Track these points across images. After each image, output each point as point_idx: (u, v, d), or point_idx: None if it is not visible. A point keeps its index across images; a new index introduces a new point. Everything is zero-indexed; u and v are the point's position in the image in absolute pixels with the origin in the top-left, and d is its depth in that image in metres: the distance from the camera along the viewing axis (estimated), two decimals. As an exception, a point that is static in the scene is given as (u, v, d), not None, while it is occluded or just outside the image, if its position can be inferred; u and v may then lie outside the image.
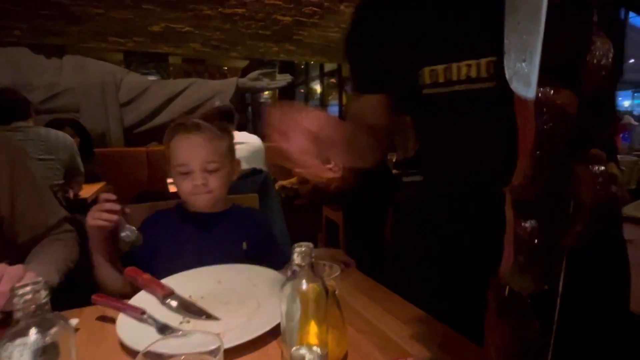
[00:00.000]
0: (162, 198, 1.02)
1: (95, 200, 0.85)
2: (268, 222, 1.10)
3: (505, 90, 0.30)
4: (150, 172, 3.73)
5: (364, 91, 0.71)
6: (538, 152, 0.31)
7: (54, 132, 2.29)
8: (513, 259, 0.34)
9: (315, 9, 4.67)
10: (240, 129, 2.77)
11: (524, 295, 0.34)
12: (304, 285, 0.46)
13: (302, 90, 8.69)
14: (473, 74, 0.55)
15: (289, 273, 0.48)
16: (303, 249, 0.46)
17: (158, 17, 4.67)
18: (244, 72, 6.38)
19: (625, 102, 9.67)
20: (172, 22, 4.88)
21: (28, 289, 0.37)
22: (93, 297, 0.70)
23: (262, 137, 2.87)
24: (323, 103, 8.65)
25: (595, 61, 0.29)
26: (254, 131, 3.33)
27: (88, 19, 4.65)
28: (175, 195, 0.98)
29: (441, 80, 0.58)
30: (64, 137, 2.34)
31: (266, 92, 7.64)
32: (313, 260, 0.46)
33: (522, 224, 0.33)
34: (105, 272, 0.84)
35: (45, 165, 2.19)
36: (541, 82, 0.29)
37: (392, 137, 0.74)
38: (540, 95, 0.30)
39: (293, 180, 3.58)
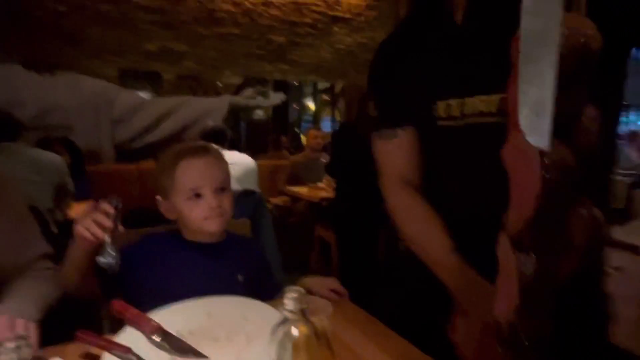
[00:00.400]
0: (155, 217, 0.99)
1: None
2: (264, 252, 1.08)
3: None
4: (142, 189, 3.69)
5: (389, 125, 0.74)
6: (542, 202, 0.33)
7: (44, 154, 2.27)
8: (518, 300, 0.36)
9: (309, 29, 4.75)
10: (231, 148, 2.76)
11: (522, 335, 0.36)
12: (296, 332, 0.45)
13: (295, 107, 8.77)
14: (484, 108, 0.60)
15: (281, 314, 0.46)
16: (295, 295, 0.44)
17: (154, 36, 4.71)
18: (238, 90, 6.43)
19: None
20: (167, 41, 4.92)
21: (12, 345, 0.35)
22: (77, 334, 0.67)
23: (254, 156, 2.88)
24: (316, 119, 8.73)
25: (584, 129, 0.33)
26: (246, 149, 3.33)
27: (84, 36, 4.67)
28: (167, 220, 0.94)
29: (455, 113, 0.63)
30: (53, 158, 2.32)
31: (260, 111, 7.70)
32: (305, 307, 0.45)
33: (525, 265, 0.35)
34: (71, 274, 0.79)
35: (35, 187, 2.16)
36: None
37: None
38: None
39: (285, 198, 3.58)
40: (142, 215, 0.89)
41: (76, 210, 2.56)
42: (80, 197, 2.74)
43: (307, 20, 4.44)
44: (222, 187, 0.90)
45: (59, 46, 4.93)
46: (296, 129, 8.52)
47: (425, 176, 0.72)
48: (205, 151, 0.91)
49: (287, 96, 5.55)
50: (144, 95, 5.45)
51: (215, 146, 0.93)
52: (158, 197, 0.92)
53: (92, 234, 0.73)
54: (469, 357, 0.53)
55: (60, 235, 0.93)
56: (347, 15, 4.24)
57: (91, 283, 0.82)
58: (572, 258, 0.35)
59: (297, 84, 8.38)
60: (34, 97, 3.85)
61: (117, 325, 0.74)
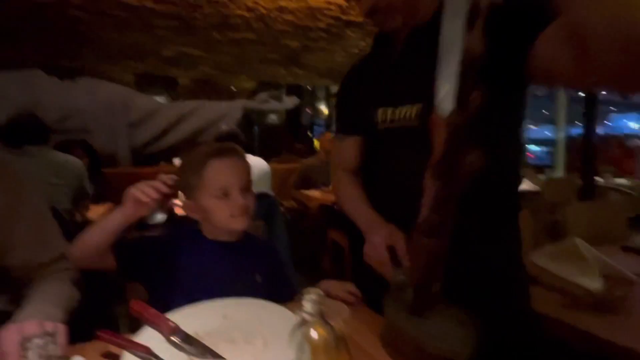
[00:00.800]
0: (170, 218, 1.03)
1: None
2: (280, 254, 1.09)
3: (424, 130, 0.61)
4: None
5: (345, 132, 1.01)
6: (437, 200, 0.59)
7: (64, 156, 2.32)
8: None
9: (322, 34, 4.77)
10: (245, 151, 2.78)
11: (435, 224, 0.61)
12: (314, 334, 0.45)
13: (308, 111, 8.80)
14: (408, 115, 0.81)
15: (298, 317, 0.47)
16: (314, 297, 0.45)
17: (170, 41, 4.80)
18: (252, 94, 6.48)
19: (631, 123, 9.64)
20: (183, 46, 5.00)
21: (38, 342, 0.36)
22: (98, 333, 0.69)
23: (268, 159, 2.89)
24: (329, 123, 8.74)
25: (466, 166, 0.56)
26: (260, 153, 3.35)
27: (102, 42, 4.78)
28: (184, 218, 0.96)
29: (389, 118, 0.85)
30: (74, 161, 2.37)
31: (273, 114, 7.74)
32: (324, 309, 0.45)
33: (432, 184, 0.59)
34: (99, 240, 0.81)
35: (56, 189, 2.21)
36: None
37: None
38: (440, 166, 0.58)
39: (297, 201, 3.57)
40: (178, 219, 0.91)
41: (95, 212, 2.61)
42: (98, 199, 2.79)
43: (321, 24, 4.47)
44: (247, 187, 0.93)
45: (79, 52, 5.06)
46: (309, 133, 8.55)
47: (368, 164, 0.96)
48: (233, 152, 0.94)
49: (300, 100, 5.57)
50: (160, 99, 5.56)
51: (239, 147, 0.96)
52: (177, 201, 0.94)
53: (147, 194, 0.78)
54: (378, 269, 0.77)
55: (77, 233, 0.95)
56: (360, 19, 4.25)
57: (109, 258, 0.84)
58: (460, 184, 0.57)
59: (310, 88, 8.41)
60: (55, 102, 3.97)
61: (135, 324, 0.75)
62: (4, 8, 3.79)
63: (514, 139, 0.81)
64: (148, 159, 4.46)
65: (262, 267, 0.96)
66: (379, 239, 0.77)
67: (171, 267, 0.89)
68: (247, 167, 0.95)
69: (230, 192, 0.90)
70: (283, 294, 0.90)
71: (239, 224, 0.91)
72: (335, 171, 1.09)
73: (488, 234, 0.79)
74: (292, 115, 7.75)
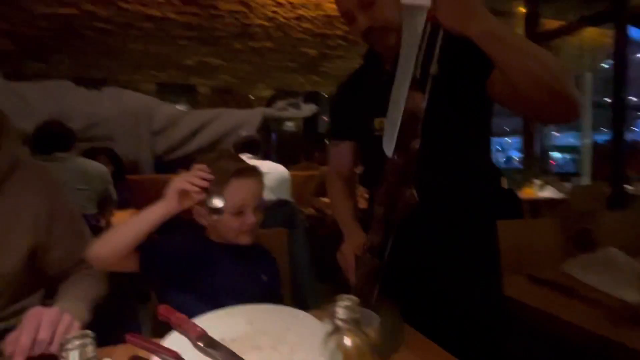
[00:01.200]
0: (188, 225, 1.04)
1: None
2: (277, 266, 1.10)
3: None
4: (178, 199, 3.81)
5: (340, 138, 1.12)
6: (379, 223, 0.74)
7: (90, 163, 2.39)
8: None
9: (340, 41, 4.80)
10: (264, 158, 2.81)
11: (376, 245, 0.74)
12: (348, 342, 0.44)
13: (325, 118, 8.82)
14: None
15: (330, 323, 0.46)
16: (348, 303, 0.44)
17: (192, 51, 4.91)
18: (270, 102, 6.56)
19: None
20: (204, 56, 5.11)
21: (77, 343, 0.37)
22: (127, 336, 0.69)
23: (287, 165, 2.90)
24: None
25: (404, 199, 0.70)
26: (277, 160, 3.37)
27: (127, 53, 4.93)
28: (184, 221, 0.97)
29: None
30: (100, 168, 2.43)
31: (291, 122, 7.79)
32: (358, 316, 0.44)
33: (377, 210, 0.73)
34: (130, 237, 0.81)
35: (82, 195, 2.28)
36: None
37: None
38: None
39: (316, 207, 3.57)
40: (180, 224, 0.93)
41: (119, 217, 2.67)
42: (121, 205, 2.86)
43: (338, 32, 4.50)
44: (259, 206, 0.98)
45: (105, 63, 5.23)
46: (326, 141, 8.56)
47: (365, 169, 1.08)
48: (255, 173, 0.98)
49: (318, 108, 5.59)
50: (181, 108, 5.68)
51: (258, 168, 1.01)
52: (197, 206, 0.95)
53: (196, 184, 0.81)
54: (347, 273, 0.93)
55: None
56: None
57: (132, 259, 0.86)
58: (398, 213, 0.71)
59: (327, 96, 8.45)
60: (82, 111, 4.11)
61: (159, 327, 0.76)
62: (34, 22, 3.96)
63: (482, 145, 0.97)
64: (169, 165, 4.55)
65: (265, 269, 1.01)
66: (349, 248, 0.94)
67: (184, 270, 0.91)
68: (262, 187, 1.00)
69: (244, 211, 0.94)
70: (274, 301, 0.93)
71: (246, 239, 0.96)
72: (329, 175, 1.20)
73: (463, 254, 0.91)
74: (310, 123, 7.78)
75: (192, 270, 0.92)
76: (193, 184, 0.81)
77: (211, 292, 0.88)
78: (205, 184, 0.83)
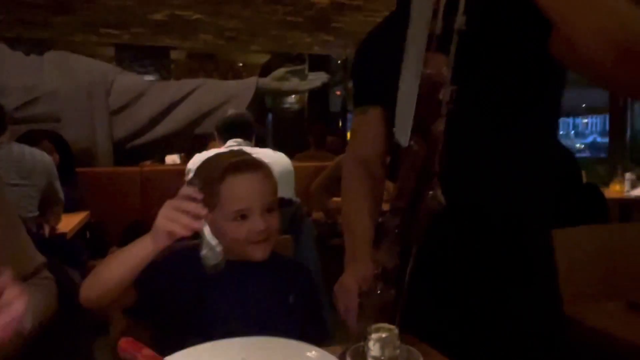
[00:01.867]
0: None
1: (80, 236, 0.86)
2: (314, 278, 1.15)
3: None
4: (144, 197, 3.83)
5: (366, 102, 1.06)
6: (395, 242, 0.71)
7: (29, 151, 2.40)
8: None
9: (360, -13, 4.76)
10: (260, 145, 2.80)
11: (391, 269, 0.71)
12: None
13: (338, 93, 8.76)
14: None
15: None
16: (384, 335, 0.42)
17: (161, 2, 4.90)
18: (264, 70, 6.55)
19: None
20: (178, 8, 5.11)
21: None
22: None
23: (291, 155, 2.89)
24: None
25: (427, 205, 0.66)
26: (277, 147, 3.36)
27: (76, 6, 4.95)
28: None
29: None
30: (42, 157, 2.45)
31: (293, 96, 7.79)
32: (397, 353, 0.42)
33: (393, 224, 0.70)
34: (118, 279, 0.85)
35: (20, 192, 2.29)
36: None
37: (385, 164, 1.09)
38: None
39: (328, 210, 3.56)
40: (146, 230, 0.93)
41: (67, 222, 2.69)
42: (69, 206, 2.88)
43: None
44: (271, 207, 1.00)
45: (49, 18, 5.26)
46: (340, 122, 8.54)
47: (393, 157, 1.01)
48: (257, 166, 1.01)
49: (330, 77, 5.57)
50: (149, 78, 5.71)
51: (263, 162, 1.04)
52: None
53: (185, 225, 0.79)
54: (345, 314, 0.84)
55: (46, 250, 1.04)
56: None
57: (129, 293, 0.90)
58: (421, 221, 0.67)
59: (341, 62, 8.41)
60: (18, 83, 4.14)
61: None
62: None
63: (548, 134, 0.93)
64: (133, 155, 4.57)
65: (294, 287, 1.03)
66: (352, 281, 0.85)
67: (187, 297, 0.95)
68: (272, 184, 1.02)
69: (249, 215, 0.96)
70: (313, 328, 0.99)
71: (258, 253, 0.98)
72: (347, 160, 1.13)
73: (513, 277, 0.89)
74: (318, 97, 7.74)
75: (195, 299, 0.95)
76: (181, 225, 0.80)
77: (217, 322, 0.92)
78: (193, 223, 0.81)
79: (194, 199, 0.81)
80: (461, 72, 0.65)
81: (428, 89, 0.63)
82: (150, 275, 0.89)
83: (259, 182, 0.99)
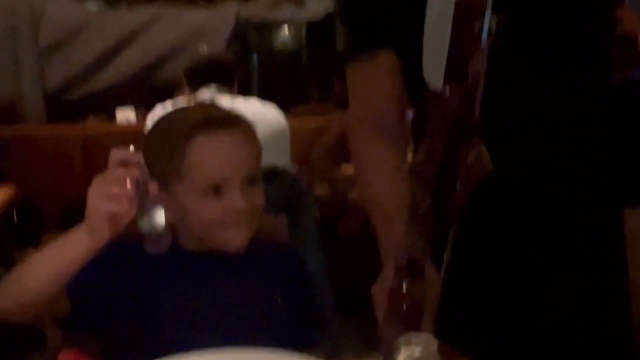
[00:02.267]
0: None
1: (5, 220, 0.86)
2: (306, 266, 1.20)
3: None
4: (87, 165, 3.81)
5: (365, 46, 1.02)
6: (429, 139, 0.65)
7: None
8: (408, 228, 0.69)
9: None
10: (244, 93, 2.82)
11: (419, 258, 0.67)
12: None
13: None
14: None
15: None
16: (417, 349, 0.43)
17: None
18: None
19: None
20: None
21: None
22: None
23: (285, 109, 2.87)
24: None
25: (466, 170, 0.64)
26: (266, 97, 3.32)
27: None
28: None
29: None
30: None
31: (286, 30, 7.72)
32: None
33: (420, 198, 0.66)
34: (45, 281, 0.83)
35: None
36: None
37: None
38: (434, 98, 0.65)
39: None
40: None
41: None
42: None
43: None
44: (253, 180, 0.99)
45: None
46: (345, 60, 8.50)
47: (417, 114, 1.02)
48: (235, 124, 1.01)
49: (335, 5, 5.53)
50: (91, 7, 5.64)
51: (244, 116, 1.04)
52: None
53: (131, 200, 0.78)
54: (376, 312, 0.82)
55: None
56: None
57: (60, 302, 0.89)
58: (461, 194, 0.65)
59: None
60: None
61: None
62: None
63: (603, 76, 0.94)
64: (70, 110, 4.57)
65: (282, 283, 1.05)
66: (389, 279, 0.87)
67: (137, 303, 0.95)
68: (254, 146, 1.02)
69: (224, 189, 0.95)
70: (307, 331, 1.04)
71: (235, 240, 0.97)
72: (355, 127, 1.09)
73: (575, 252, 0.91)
74: (320, 32, 7.68)
75: (148, 304, 0.95)
76: (117, 198, 0.78)
77: (179, 332, 0.92)
78: (131, 193, 0.79)
79: (125, 161, 0.80)
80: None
81: (463, 17, 0.60)
82: (82, 277, 0.86)
83: (237, 144, 0.99)
